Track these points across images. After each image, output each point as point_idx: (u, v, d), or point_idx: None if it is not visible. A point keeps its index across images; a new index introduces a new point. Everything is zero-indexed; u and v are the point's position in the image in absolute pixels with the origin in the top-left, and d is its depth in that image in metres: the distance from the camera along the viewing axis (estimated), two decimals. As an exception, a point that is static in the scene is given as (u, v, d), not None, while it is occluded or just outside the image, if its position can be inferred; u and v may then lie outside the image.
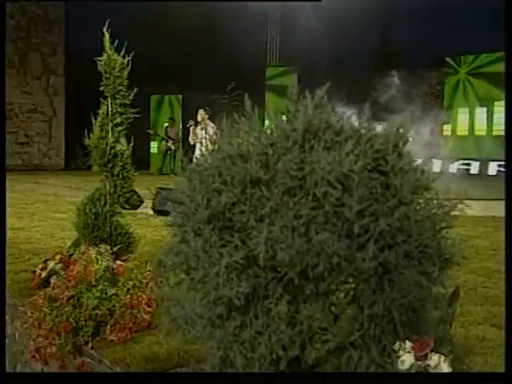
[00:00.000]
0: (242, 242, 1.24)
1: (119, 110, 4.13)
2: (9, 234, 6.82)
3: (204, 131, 10.76)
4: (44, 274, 4.54)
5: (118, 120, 4.12)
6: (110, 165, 4.11)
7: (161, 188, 9.69)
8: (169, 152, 19.16)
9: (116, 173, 4.14)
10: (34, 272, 4.84)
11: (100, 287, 3.59)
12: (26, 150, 20.32)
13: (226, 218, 1.24)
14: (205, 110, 11.14)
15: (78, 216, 4.16)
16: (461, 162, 19.18)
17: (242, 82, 20.30)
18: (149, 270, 3.92)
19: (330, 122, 1.14)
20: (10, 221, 7.96)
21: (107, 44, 4.07)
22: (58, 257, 4.59)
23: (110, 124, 4.13)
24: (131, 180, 4.21)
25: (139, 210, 9.49)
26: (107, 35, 4.06)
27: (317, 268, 1.27)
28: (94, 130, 4.12)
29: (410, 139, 1.36)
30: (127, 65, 4.16)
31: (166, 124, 19.44)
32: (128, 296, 3.60)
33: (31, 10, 19.99)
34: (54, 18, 20.63)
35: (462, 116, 19.85)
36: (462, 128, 19.82)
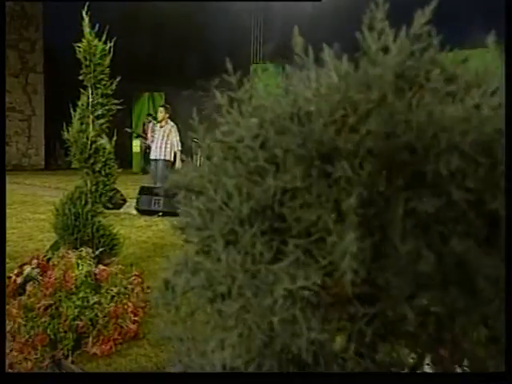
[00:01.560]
0: (308, 254, 0.74)
1: (100, 100, 3.79)
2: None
3: (164, 130, 10.36)
4: (19, 280, 4.18)
5: (100, 112, 3.78)
6: (91, 161, 3.77)
7: (144, 187, 9.35)
8: (147, 150, 18.74)
9: (98, 169, 3.81)
10: (10, 278, 4.49)
11: (81, 295, 3.25)
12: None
13: (277, 216, 0.79)
14: (165, 107, 10.79)
15: (57, 217, 3.81)
16: None
17: (225, 80, 19.93)
18: (135, 275, 3.60)
19: (440, 63, 0.78)
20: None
21: (87, 29, 3.72)
22: (34, 261, 4.24)
23: (91, 116, 3.79)
24: (114, 177, 3.88)
25: (122, 210, 9.15)
26: (86, 19, 3.72)
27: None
28: (73, 123, 3.77)
29: None
30: (109, 52, 3.82)
31: (145, 121, 19.02)
32: (112, 304, 3.27)
33: (8, 6, 19.42)
34: (32, 14, 20.09)
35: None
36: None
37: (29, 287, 3.60)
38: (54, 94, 21.11)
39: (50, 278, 3.33)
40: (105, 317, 3.21)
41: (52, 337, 3.14)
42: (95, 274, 3.37)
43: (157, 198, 8.57)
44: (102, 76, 3.76)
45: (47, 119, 20.97)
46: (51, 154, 21.69)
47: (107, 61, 3.79)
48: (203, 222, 0.94)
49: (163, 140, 10.21)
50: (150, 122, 18.84)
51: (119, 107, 3.93)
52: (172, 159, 10.50)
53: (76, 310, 3.16)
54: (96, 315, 3.20)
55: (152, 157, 10.45)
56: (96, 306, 3.23)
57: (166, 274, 1.03)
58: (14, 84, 19.85)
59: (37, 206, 9.57)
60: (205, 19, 21.63)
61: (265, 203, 0.77)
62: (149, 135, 10.50)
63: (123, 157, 20.47)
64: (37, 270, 4.18)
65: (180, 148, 10.50)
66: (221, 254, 0.89)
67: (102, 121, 3.81)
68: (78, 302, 3.20)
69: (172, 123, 10.51)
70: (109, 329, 3.19)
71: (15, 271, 4.34)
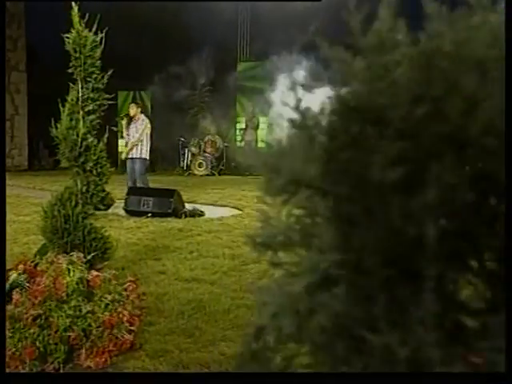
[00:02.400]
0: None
1: (91, 95, 3.56)
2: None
3: (137, 127, 10.04)
4: (6, 287, 3.93)
5: (90, 107, 3.55)
6: (82, 159, 3.54)
7: (132, 187, 9.10)
8: (133, 150, 18.42)
9: (88, 168, 3.57)
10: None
11: (73, 303, 3.02)
12: (-14, 149, 19.31)
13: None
14: (136, 103, 10.50)
15: (45, 219, 3.57)
16: None
17: (214, 78, 19.76)
18: (130, 281, 3.37)
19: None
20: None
21: (76, 18, 3.48)
22: (21, 267, 3.99)
23: (81, 112, 3.55)
24: (106, 177, 3.64)
25: (109, 211, 8.89)
26: (76, 8, 3.48)
27: None
28: (62, 119, 3.53)
29: None
30: (100, 43, 3.58)
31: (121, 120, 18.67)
32: (106, 313, 3.04)
33: (-10, 3, 19.00)
34: (14, 12, 19.66)
35: None
36: None
37: (15, 295, 3.35)
38: (37, 93, 20.74)
39: (38, 285, 3.09)
40: (99, 327, 2.98)
41: (41, 349, 2.90)
42: (88, 281, 3.14)
43: (146, 198, 8.31)
44: (92, 69, 3.53)
45: (30, 119, 20.58)
46: (35, 154, 21.31)
47: (98, 53, 3.56)
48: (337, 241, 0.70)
49: (139, 138, 9.90)
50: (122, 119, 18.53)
51: (111, 102, 3.69)
52: (148, 157, 10.22)
53: (68, 320, 2.93)
54: (89, 325, 2.97)
55: (130, 155, 10.05)
56: (89, 315, 3.00)
57: (260, 319, 0.80)
58: (-4, 83, 19.43)
59: (21, 207, 9.28)
60: (190, 18, 21.37)
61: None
62: (124, 133, 10.17)
63: (109, 156, 20.18)
64: (24, 276, 3.94)
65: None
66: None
67: (92, 117, 3.58)
68: (70, 312, 2.97)
69: (147, 119, 10.22)
70: (103, 340, 2.96)
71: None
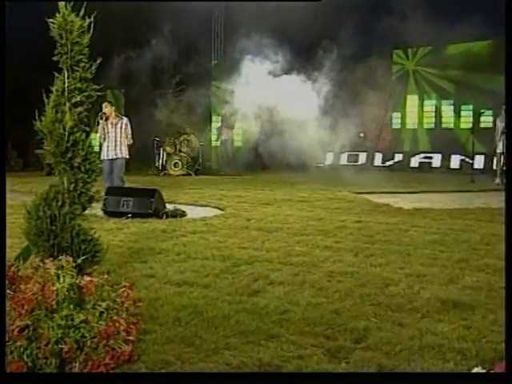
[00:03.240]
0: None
1: (78, 85, 3.28)
2: None
3: (114, 125, 9.74)
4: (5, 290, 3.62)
5: (78, 99, 3.27)
6: (69, 155, 3.25)
7: (111, 187, 8.77)
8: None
9: (76, 165, 3.29)
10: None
11: (64, 312, 2.74)
12: (-48, 150, 18.63)
13: None
14: (109, 102, 10.21)
15: (29, 220, 3.27)
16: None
17: (187, 77, 19.43)
18: (124, 286, 3.10)
19: None
20: None
21: (61, 2, 3.20)
22: None
23: (68, 104, 3.27)
24: (95, 174, 3.36)
25: (86, 212, 8.54)
26: (59, -11, 3.19)
27: None
28: (46, 112, 3.24)
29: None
30: (88, 29, 3.30)
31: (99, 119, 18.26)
32: (101, 322, 2.77)
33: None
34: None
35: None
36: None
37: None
38: (10, 92, 20.14)
39: (24, 292, 2.80)
40: (93, 338, 2.70)
41: (30, 364, 2.62)
42: (80, 287, 2.86)
43: (126, 198, 8.00)
44: (80, 57, 3.25)
45: (-2, 118, 19.95)
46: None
47: (86, 39, 3.28)
48: None
49: (119, 137, 9.59)
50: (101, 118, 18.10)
51: (99, 93, 3.41)
52: (128, 156, 9.94)
53: (59, 331, 2.65)
54: (83, 336, 2.70)
55: (106, 156, 9.71)
56: (82, 324, 2.72)
57: None
58: (-37, 81, 18.78)
59: (-7, 209, 8.85)
60: (164, 16, 21.02)
61: None
62: (99, 133, 9.82)
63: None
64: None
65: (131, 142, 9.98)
66: None
67: (79, 109, 3.30)
68: (61, 322, 2.69)
69: (125, 118, 9.93)
70: (99, 352, 2.69)
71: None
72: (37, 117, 3.26)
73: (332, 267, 4.99)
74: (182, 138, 17.94)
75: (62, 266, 3.00)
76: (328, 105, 14.50)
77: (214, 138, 19.88)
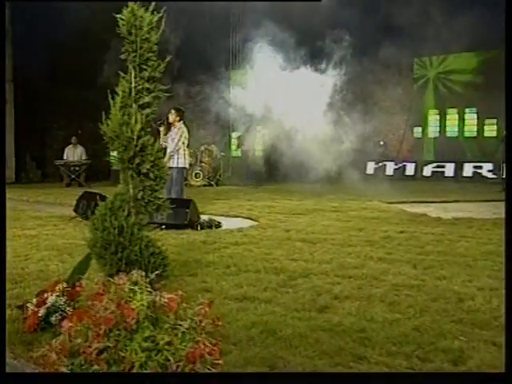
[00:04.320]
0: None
1: (147, 85, 3.03)
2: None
3: (175, 134, 9.49)
4: (42, 312, 3.38)
5: (146, 100, 3.01)
6: (137, 160, 3.00)
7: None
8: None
9: (144, 171, 3.03)
10: (22, 308, 3.67)
11: (146, 333, 2.47)
12: (-29, 162, 18.49)
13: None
14: (177, 109, 9.81)
15: (94, 231, 3.01)
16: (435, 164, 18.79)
17: (206, 86, 19.23)
18: (202, 303, 2.83)
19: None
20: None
21: (131, -4, 2.95)
22: (59, 287, 3.44)
23: (134, 105, 3.01)
24: (163, 181, 3.10)
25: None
26: (129, -17, 2.95)
27: None
28: (112, 114, 2.99)
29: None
30: (158, 25, 3.05)
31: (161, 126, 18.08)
32: (185, 344, 2.50)
33: (-25, 10, 18.28)
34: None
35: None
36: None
37: (65, 322, 2.80)
38: (24, 103, 20.05)
39: (98, 311, 2.53)
40: (178, 361, 2.43)
41: (110, 390, 2.35)
42: (158, 305, 2.59)
43: (160, 209, 7.74)
44: (149, 55, 3.00)
45: (17, 130, 19.83)
46: (21, 166, 20.55)
47: (155, 36, 3.03)
48: None
49: (176, 146, 9.32)
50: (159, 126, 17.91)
51: (167, 94, 3.16)
52: (188, 166, 9.66)
53: (143, 354, 2.38)
54: (167, 359, 2.43)
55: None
56: (166, 347, 2.45)
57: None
58: (-18, 93, 18.67)
59: (22, 221, 8.64)
60: (181, 23, 20.85)
61: None
62: (161, 141, 9.54)
63: (101, 168, 19.50)
64: (63, 299, 3.40)
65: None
66: None
67: (147, 111, 3.05)
68: (144, 344, 2.42)
69: (184, 127, 9.60)
70: (185, 377, 2.42)
71: (34, 300, 3.53)
72: (103, 119, 3.00)
73: (395, 280, 4.70)
74: (202, 148, 17.72)
75: (137, 282, 2.73)
76: (348, 113, 14.27)
77: (234, 147, 19.65)
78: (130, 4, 2.98)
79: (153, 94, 3.06)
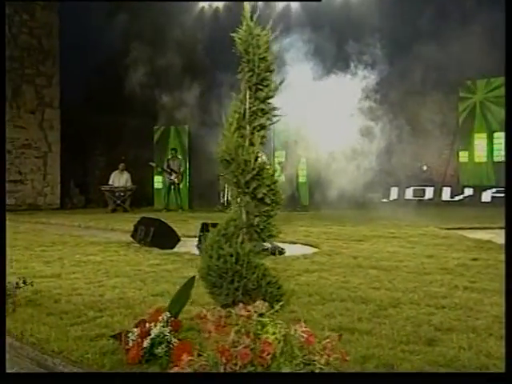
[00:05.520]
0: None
1: (262, 106, 2.89)
2: (43, 282, 5.52)
3: None
4: (147, 343, 3.23)
5: (262, 121, 2.87)
6: (254, 184, 2.85)
7: (206, 223, 8.40)
8: (172, 186, 17.84)
9: (260, 196, 2.88)
10: (117, 337, 3.53)
11: (282, 370, 2.29)
12: (19, 188, 18.79)
13: None
14: None
15: (208, 260, 2.87)
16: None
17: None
18: (328, 337, 2.64)
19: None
20: (36, 266, 6.63)
21: (247, 14, 2.85)
22: (162, 318, 3.29)
23: (248, 128, 2.88)
24: (278, 207, 2.95)
25: (180, 250, 8.21)
26: (247, 5, 2.84)
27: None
28: (226, 136, 2.87)
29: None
30: (273, 43, 2.93)
31: (169, 156, 18.19)
32: (324, 382, 2.31)
33: (25, 40, 18.75)
34: (49, 49, 19.42)
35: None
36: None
37: (185, 356, 2.64)
38: (68, 130, 20.31)
39: (233, 344, 2.36)
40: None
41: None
42: (297, 339, 2.41)
43: (223, 235, 7.61)
44: (265, 74, 2.87)
45: (62, 156, 20.10)
46: (66, 192, 20.76)
47: (272, 55, 2.91)
48: None
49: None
50: (175, 157, 18.03)
51: (278, 115, 3.03)
52: None
53: (285, 394, 2.20)
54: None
55: None
56: (307, 385, 2.27)
57: None
58: (31, 120, 19.06)
59: (82, 246, 8.60)
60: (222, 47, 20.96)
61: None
62: None
63: (143, 194, 19.58)
64: (168, 329, 3.25)
65: None
66: None
67: (262, 133, 2.91)
68: None
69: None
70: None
71: (135, 331, 3.39)
72: (219, 142, 2.88)
73: (494, 311, 4.44)
74: (247, 174, 17.65)
75: (262, 314, 2.57)
76: (391, 138, 14.02)
77: (277, 173, 19.53)
78: (247, 22, 2.87)
79: (267, 116, 2.93)
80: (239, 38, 2.87)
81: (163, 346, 3.17)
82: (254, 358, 2.35)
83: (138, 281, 5.75)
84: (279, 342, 2.41)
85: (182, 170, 18.03)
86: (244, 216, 2.92)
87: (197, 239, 8.52)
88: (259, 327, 2.50)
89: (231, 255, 2.80)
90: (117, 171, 18.27)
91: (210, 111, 18.04)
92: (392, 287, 5.41)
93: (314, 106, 12.73)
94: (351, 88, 13.42)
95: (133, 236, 8.95)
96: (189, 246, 8.64)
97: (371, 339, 3.72)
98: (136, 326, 3.42)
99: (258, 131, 2.92)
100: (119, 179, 18.11)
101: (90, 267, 6.63)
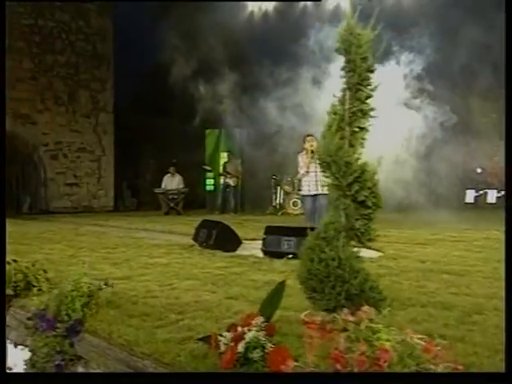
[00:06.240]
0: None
1: (362, 107, 2.83)
2: (117, 284, 5.55)
3: (314, 161, 9.38)
4: (241, 347, 3.20)
5: (361, 122, 2.81)
6: (356, 187, 2.79)
7: (270, 226, 8.36)
8: (227, 189, 17.90)
9: (362, 199, 2.81)
10: (205, 340, 3.51)
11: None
12: (74, 191, 19.21)
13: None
14: (313, 136, 9.67)
15: (309, 264, 2.82)
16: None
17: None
18: (438, 343, 2.55)
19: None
20: (105, 268, 6.71)
21: (349, 12, 2.79)
22: (256, 322, 3.26)
23: (348, 129, 2.82)
24: (378, 210, 2.87)
25: (244, 252, 8.20)
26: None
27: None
28: (326, 138, 2.81)
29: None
30: (375, 42, 2.87)
31: (225, 159, 18.27)
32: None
33: (81, 46, 19.18)
34: (103, 54, 19.82)
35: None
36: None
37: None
38: (120, 133, 20.67)
39: (345, 351, 2.30)
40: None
41: None
42: (413, 347, 2.34)
43: (287, 238, 7.57)
44: (366, 74, 2.81)
45: (116, 160, 20.47)
46: (119, 195, 21.13)
47: (372, 56, 2.84)
48: None
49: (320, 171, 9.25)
50: (231, 159, 18.06)
51: (375, 116, 2.96)
52: None
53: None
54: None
55: (308, 192, 9.56)
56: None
57: None
58: (85, 124, 19.47)
59: (145, 248, 8.69)
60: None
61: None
62: (302, 170, 9.65)
63: (195, 196, 19.72)
64: (262, 334, 3.21)
65: None
66: None
67: (362, 134, 2.85)
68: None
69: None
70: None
71: (227, 335, 3.36)
72: (320, 144, 2.83)
73: None
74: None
75: (371, 319, 2.50)
76: (445, 140, 13.69)
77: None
78: (348, 20, 2.82)
79: (367, 117, 2.86)
80: (339, 37, 2.82)
81: (258, 350, 3.13)
82: (370, 366, 2.28)
83: (209, 284, 5.75)
84: (395, 350, 2.34)
85: (238, 172, 18.07)
86: (343, 219, 2.86)
87: (259, 242, 8.51)
88: (370, 333, 2.43)
89: (333, 259, 2.74)
90: (169, 174, 18.47)
91: (261, 115, 18.07)
92: (471, 293, 5.25)
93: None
94: (400, 84, 13.20)
95: (194, 238, 8.99)
96: (249, 248, 8.62)
97: (466, 347, 3.59)
98: (227, 330, 3.40)
99: (358, 132, 2.86)
100: (171, 182, 18.30)
101: (158, 269, 6.68)
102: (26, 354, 4.51)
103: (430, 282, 5.79)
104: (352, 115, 2.83)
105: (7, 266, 5.21)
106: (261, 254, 7.79)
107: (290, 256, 7.46)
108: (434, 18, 14.34)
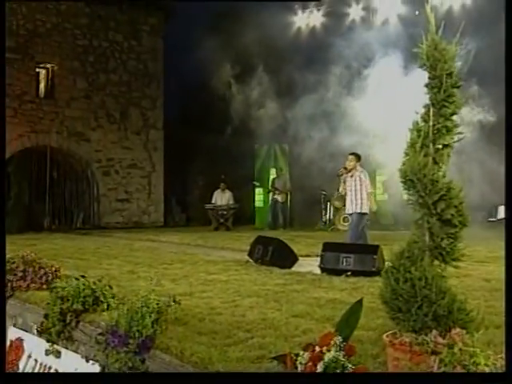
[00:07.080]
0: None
1: (447, 124, 2.77)
2: (180, 300, 5.55)
3: (354, 179, 9.44)
4: (320, 367, 3.15)
5: (446, 140, 2.75)
6: (442, 205, 2.73)
7: (328, 243, 8.29)
8: (277, 205, 17.88)
9: (447, 217, 2.74)
10: (279, 359, 3.48)
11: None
12: (125, 206, 19.54)
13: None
14: (355, 154, 9.69)
15: (393, 284, 2.75)
16: None
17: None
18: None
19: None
20: (166, 284, 6.74)
21: (432, 23, 2.75)
22: (335, 342, 3.21)
23: (432, 146, 2.77)
24: (464, 229, 2.80)
25: (301, 269, 8.14)
26: (430, 9, 2.75)
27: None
28: (410, 156, 2.76)
29: None
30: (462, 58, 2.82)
31: (274, 175, 18.29)
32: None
33: (132, 65, 19.61)
34: (153, 72, 20.20)
35: None
36: None
37: None
38: (171, 150, 20.93)
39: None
40: None
41: None
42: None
43: (346, 255, 7.48)
44: (452, 90, 2.75)
45: (165, 176, 20.74)
46: (168, 210, 21.35)
47: (457, 69, 2.79)
48: None
49: (355, 190, 9.29)
50: (280, 175, 18.04)
51: (461, 134, 2.89)
52: (368, 211, 9.54)
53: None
54: None
55: (347, 211, 9.93)
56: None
57: None
58: (136, 141, 19.83)
59: (201, 265, 8.71)
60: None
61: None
62: (340, 188, 9.73)
63: (244, 212, 19.77)
64: (341, 354, 3.16)
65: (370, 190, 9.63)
66: None
67: (447, 151, 2.78)
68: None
69: (361, 169, 9.58)
70: None
71: (304, 355, 3.32)
72: (404, 161, 2.79)
73: None
74: (349, 193, 17.42)
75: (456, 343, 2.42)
76: (481, 148, 13.29)
77: (378, 191, 19.16)
78: (431, 35, 2.77)
79: (451, 134, 2.80)
80: (423, 53, 2.78)
81: (338, 371, 3.08)
82: (468, 391, 2.21)
83: (271, 301, 5.71)
84: (492, 375, 2.26)
85: (287, 188, 18.03)
86: (427, 238, 2.80)
87: (313, 258, 8.45)
88: (467, 357, 2.35)
89: (419, 279, 2.68)
90: (219, 190, 18.58)
91: (311, 131, 18.03)
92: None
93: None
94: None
95: (249, 255, 8.97)
96: (305, 265, 8.56)
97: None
98: (304, 350, 3.36)
99: (442, 149, 2.80)
100: (221, 198, 18.40)
101: (218, 286, 6.68)
102: (95, 368, 4.57)
103: (498, 301, 5.61)
104: (436, 132, 2.78)
105: (74, 281, 5.31)
106: (318, 271, 7.71)
107: (349, 273, 7.38)
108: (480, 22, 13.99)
